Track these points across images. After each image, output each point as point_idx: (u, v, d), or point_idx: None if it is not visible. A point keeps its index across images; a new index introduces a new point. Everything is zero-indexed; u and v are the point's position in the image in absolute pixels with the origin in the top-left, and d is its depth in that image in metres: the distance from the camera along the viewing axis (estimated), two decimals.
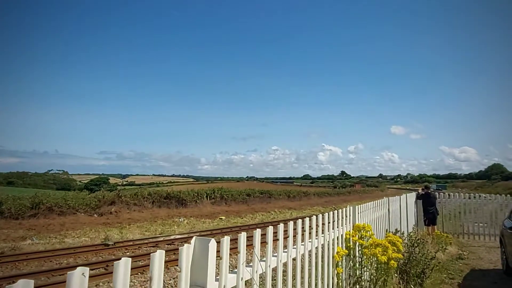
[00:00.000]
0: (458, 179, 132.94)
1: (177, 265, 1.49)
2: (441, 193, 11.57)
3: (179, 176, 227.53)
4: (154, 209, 20.87)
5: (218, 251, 1.64)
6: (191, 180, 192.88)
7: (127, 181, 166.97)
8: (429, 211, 9.98)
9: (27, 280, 0.91)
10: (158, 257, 1.30)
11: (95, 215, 17.93)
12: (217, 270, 1.64)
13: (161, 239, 12.32)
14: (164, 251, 1.34)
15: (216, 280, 1.64)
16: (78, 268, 1.04)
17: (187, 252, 1.43)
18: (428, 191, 10.52)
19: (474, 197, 10.96)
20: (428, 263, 4.94)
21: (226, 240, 1.70)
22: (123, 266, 1.16)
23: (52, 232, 13.50)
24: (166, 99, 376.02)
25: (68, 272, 1.02)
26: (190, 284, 1.48)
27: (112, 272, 1.20)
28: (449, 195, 11.27)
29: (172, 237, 12.61)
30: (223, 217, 20.25)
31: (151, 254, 1.29)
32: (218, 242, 1.65)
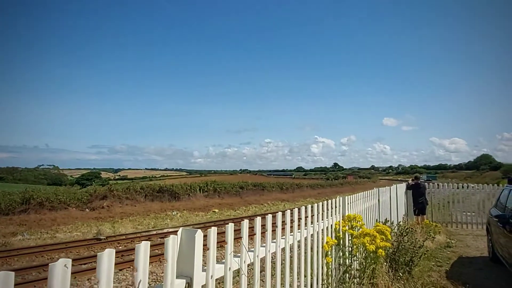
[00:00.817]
0: (448, 169, 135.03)
1: None
2: (430, 183, 11.77)
3: (172, 169, 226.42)
4: (146, 203, 20.80)
5: (205, 245, 1.65)
6: (184, 173, 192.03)
7: (119, 175, 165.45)
8: (418, 201, 10.16)
9: (7, 272, 0.90)
10: (143, 249, 1.30)
11: (86, 209, 17.80)
12: (204, 261, 1.65)
13: (154, 232, 12.32)
14: (149, 243, 1.34)
15: (203, 270, 1.65)
16: (60, 260, 1.02)
17: (173, 243, 1.44)
18: (418, 182, 10.68)
19: (463, 187, 11.19)
20: (416, 251, 5.04)
21: (213, 230, 1.71)
22: (107, 258, 1.15)
23: (43, 228, 13.40)
24: (159, 93, 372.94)
25: (50, 264, 1.01)
26: (177, 275, 1.49)
27: None
28: (438, 185, 11.47)
29: (165, 231, 12.61)
30: (216, 210, 20.31)
31: (135, 245, 1.28)
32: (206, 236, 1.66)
